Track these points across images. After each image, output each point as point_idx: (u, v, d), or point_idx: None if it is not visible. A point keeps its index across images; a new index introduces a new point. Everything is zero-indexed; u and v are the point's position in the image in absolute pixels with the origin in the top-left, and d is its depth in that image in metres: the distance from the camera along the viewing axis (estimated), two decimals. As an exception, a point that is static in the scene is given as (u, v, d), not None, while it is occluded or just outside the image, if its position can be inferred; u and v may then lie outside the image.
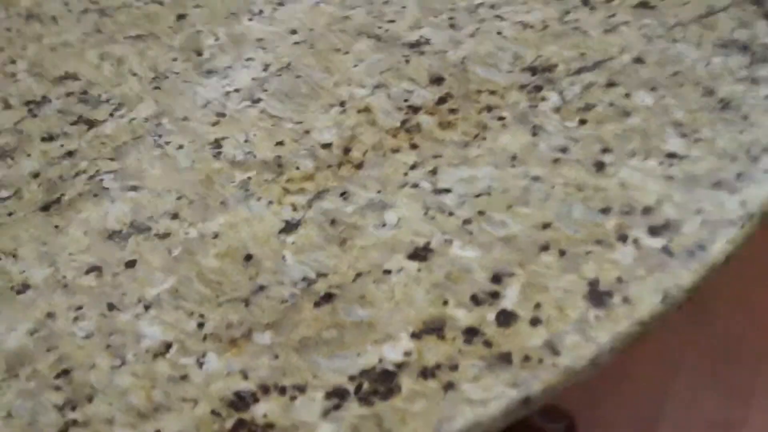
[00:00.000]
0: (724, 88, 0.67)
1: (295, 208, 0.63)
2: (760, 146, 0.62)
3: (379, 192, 0.63)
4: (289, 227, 0.62)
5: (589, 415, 1.40)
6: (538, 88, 0.70)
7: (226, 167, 0.67)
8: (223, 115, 0.72)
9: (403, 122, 0.69)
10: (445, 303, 0.55)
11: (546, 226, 0.59)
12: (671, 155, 0.63)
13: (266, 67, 0.77)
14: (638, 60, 0.70)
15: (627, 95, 0.68)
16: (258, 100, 0.73)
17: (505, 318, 0.53)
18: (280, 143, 0.69)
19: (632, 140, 0.64)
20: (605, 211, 0.59)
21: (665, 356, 1.49)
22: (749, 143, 0.62)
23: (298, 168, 0.66)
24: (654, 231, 0.57)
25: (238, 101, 0.74)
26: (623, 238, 0.57)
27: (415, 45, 0.76)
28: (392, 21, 0.79)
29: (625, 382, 1.44)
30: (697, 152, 0.63)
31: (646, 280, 0.54)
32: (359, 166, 0.66)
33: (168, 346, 0.55)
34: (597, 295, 0.54)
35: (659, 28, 0.73)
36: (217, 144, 0.70)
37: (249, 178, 0.66)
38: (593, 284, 0.54)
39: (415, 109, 0.70)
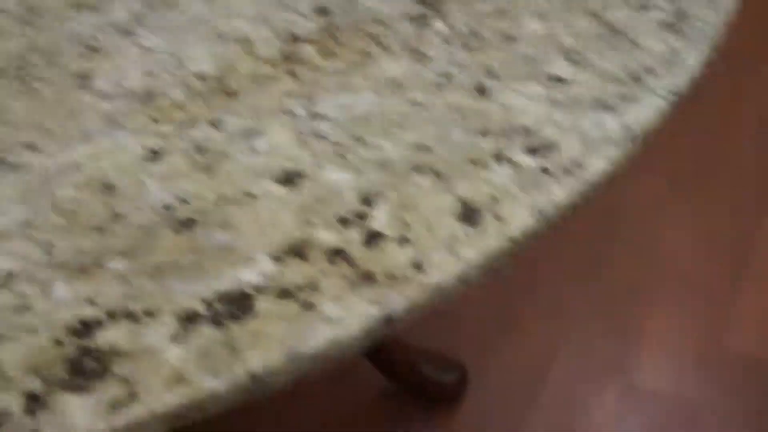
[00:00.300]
0: (614, 13, 0.66)
1: (162, 138, 0.60)
2: (644, 68, 0.60)
3: (251, 120, 0.60)
4: (155, 156, 0.59)
5: (483, 364, 1.39)
6: (425, 17, 0.68)
7: (93, 99, 0.64)
8: (95, 48, 0.69)
9: (283, 52, 0.66)
10: (312, 225, 0.52)
11: (422, 148, 0.57)
12: (557, 79, 0.61)
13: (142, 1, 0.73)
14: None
15: (516, 23, 0.66)
16: (131, 33, 0.70)
17: (373, 238, 0.51)
18: (150, 74, 0.66)
19: (517, 66, 0.62)
20: (484, 132, 0.57)
21: (559, 306, 1.48)
22: (634, 66, 0.61)
23: (168, 98, 0.63)
24: (532, 151, 0.55)
25: (111, 34, 0.70)
26: (500, 159, 0.55)
27: (300, -23, 0.73)
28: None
29: (517, 332, 1.43)
30: (583, 76, 0.61)
31: (520, 199, 0.52)
32: (233, 95, 0.63)
33: (12, 275, 0.51)
34: (468, 214, 0.51)
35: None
36: (85, 76, 0.66)
37: (116, 108, 0.63)
38: (465, 203, 0.52)
39: (296, 39, 0.67)
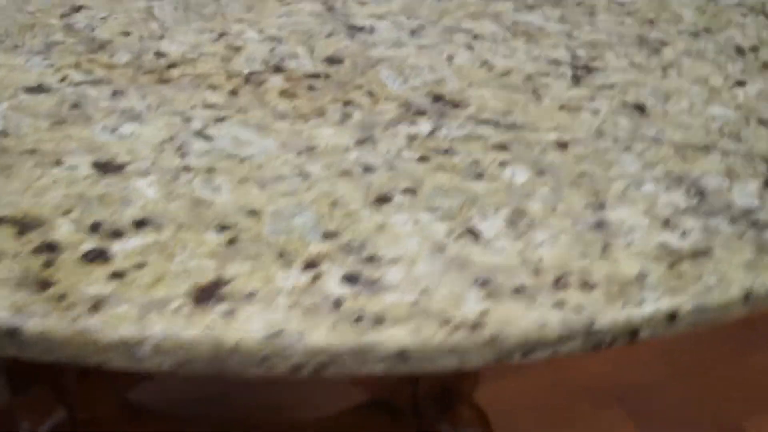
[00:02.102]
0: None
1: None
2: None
3: (140, 104, 0.55)
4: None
5: None
6: (420, 114, 0.59)
7: None
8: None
9: (254, 72, 0.61)
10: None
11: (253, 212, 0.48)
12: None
13: None
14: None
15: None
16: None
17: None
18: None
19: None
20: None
21: None
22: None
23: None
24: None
25: None
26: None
27: (358, 29, 0.67)
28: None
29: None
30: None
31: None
32: (165, 82, 0.58)
33: None
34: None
35: None
36: None
37: None
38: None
39: (280, 69, 0.61)
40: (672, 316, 0.49)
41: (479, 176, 0.56)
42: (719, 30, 0.73)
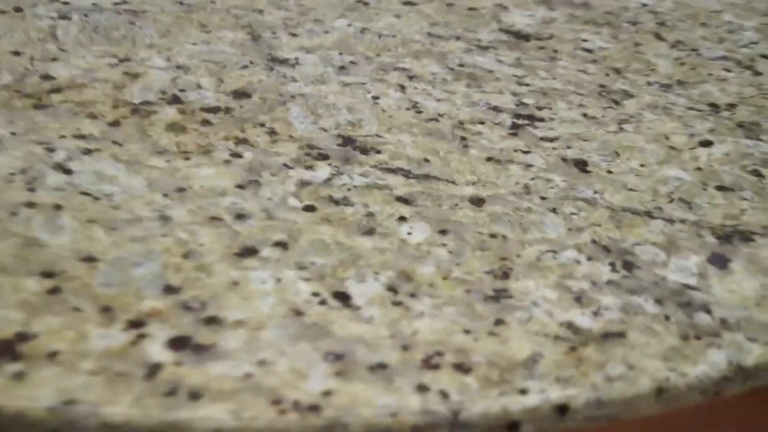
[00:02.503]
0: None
1: None
2: None
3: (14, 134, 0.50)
4: None
5: None
6: (321, 159, 0.53)
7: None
8: None
9: (146, 102, 0.55)
10: None
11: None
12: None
13: None
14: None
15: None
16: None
17: None
18: None
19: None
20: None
21: None
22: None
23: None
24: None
25: None
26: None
27: (280, 61, 0.61)
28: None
29: None
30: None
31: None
32: (41, 107, 0.53)
33: None
34: None
35: None
36: None
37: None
38: None
39: (177, 100, 0.56)
40: (562, 410, 0.42)
41: (369, 232, 0.49)
42: (695, 83, 0.66)
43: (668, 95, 0.64)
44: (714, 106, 0.63)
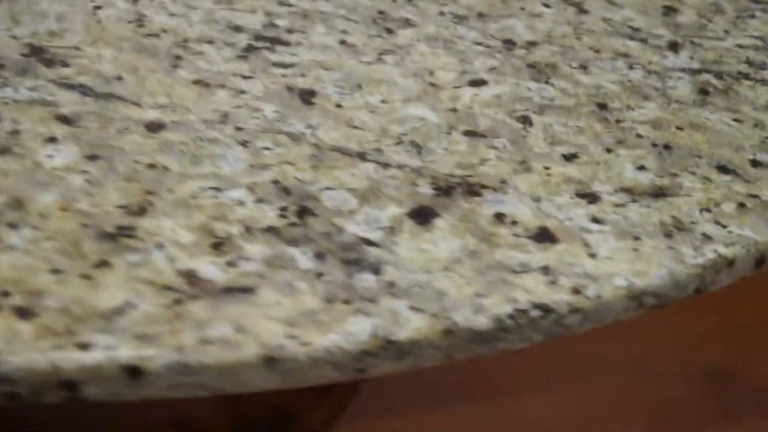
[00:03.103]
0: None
1: None
2: None
3: None
4: None
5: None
6: (-5, 68, 0.46)
7: None
8: None
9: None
10: None
11: None
12: None
13: None
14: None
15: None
16: None
17: None
18: None
19: None
20: None
21: None
22: None
23: None
24: None
25: None
26: None
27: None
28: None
29: None
30: None
31: None
32: None
33: None
34: None
35: None
36: None
37: None
38: None
39: None
40: (133, 372, 0.35)
41: (3, 151, 0.42)
42: (499, 17, 0.57)
43: (458, 28, 0.55)
44: (509, 43, 0.55)
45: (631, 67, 0.55)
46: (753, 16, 0.62)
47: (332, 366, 0.37)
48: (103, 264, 0.38)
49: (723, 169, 0.48)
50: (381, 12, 0.56)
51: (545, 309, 0.39)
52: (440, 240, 0.41)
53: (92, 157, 0.43)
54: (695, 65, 0.56)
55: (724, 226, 0.45)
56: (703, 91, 0.54)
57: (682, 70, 0.55)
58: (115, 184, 0.41)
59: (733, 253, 0.44)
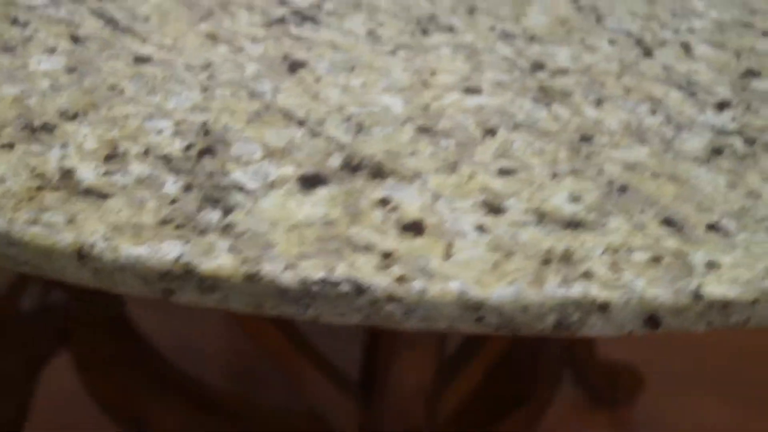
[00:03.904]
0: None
1: None
2: None
3: None
4: None
5: None
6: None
7: None
8: None
9: None
10: None
11: None
12: None
13: None
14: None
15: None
16: None
17: None
18: None
19: None
20: None
21: None
22: None
23: None
24: None
25: None
26: None
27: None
28: None
29: None
30: None
31: None
32: None
33: None
34: None
35: None
36: None
37: None
38: None
39: None
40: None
41: (7, 49, 0.50)
42: (549, 43, 0.57)
43: (497, 43, 0.56)
44: (537, 66, 0.55)
45: (653, 113, 0.52)
46: None
47: (139, 278, 0.41)
48: (8, 145, 0.44)
49: (669, 222, 0.45)
50: (431, 16, 0.58)
51: (358, 287, 0.40)
52: (308, 204, 0.44)
53: (70, 70, 0.49)
54: (731, 126, 0.52)
55: (616, 272, 0.42)
56: (717, 151, 0.50)
57: (712, 128, 0.52)
58: (72, 93, 0.48)
59: (608, 298, 0.41)
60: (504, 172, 0.47)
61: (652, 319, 0.42)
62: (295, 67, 0.52)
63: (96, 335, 1.08)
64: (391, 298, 0.41)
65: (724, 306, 0.43)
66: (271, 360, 0.94)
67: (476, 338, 0.95)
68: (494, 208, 0.45)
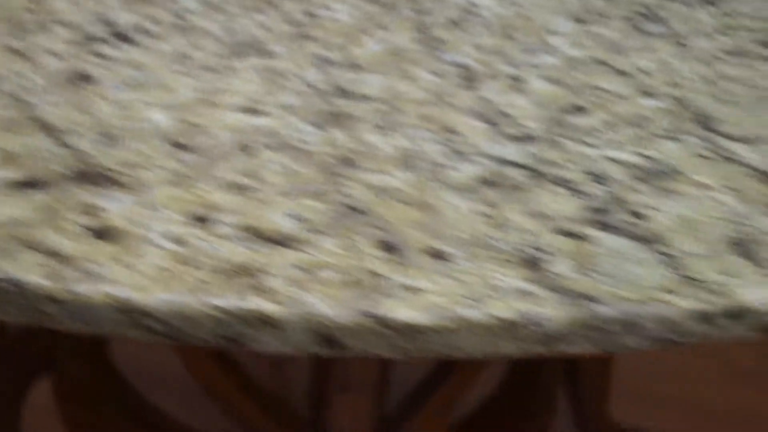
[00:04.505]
0: None
1: None
2: None
3: None
4: None
5: None
6: None
7: None
8: None
9: None
10: None
11: None
12: None
13: None
14: None
15: None
16: None
17: None
18: None
19: None
20: None
21: None
22: None
23: None
24: None
25: None
26: None
27: None
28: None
29: None
30: None
31: None
32: None
33: None
34: None
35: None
36: None
37: None
38: None
39: None
40: None
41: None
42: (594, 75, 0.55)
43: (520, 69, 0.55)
44: (562, 113, 0.53)
45: (438, 142, 0.50)
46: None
47: None
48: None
49: (386, 246, 0.43)
50: (256, 42, 0.58)
51: (18, 285, 0.40)
52: (11, 205, 0.44)
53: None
54: (524, 160, 0.49)
55: (299, 290, 0.40)
56: (488, 182, 0.48)
57: (499, 159, 0.49)
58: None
59: (277, 314, 0.39)
60: (235, 189, 0.46)
61: (328, 340, 0.40)
62: (81, 82, 0.53)
63: (77, 364, 1.10)
64: (51, 299, 0.40)
65: (410, 331, 0.40)
66: (213, 398, 0.93)
67: (429, 381, 0.91)
68: (204, 222, 0.44)
